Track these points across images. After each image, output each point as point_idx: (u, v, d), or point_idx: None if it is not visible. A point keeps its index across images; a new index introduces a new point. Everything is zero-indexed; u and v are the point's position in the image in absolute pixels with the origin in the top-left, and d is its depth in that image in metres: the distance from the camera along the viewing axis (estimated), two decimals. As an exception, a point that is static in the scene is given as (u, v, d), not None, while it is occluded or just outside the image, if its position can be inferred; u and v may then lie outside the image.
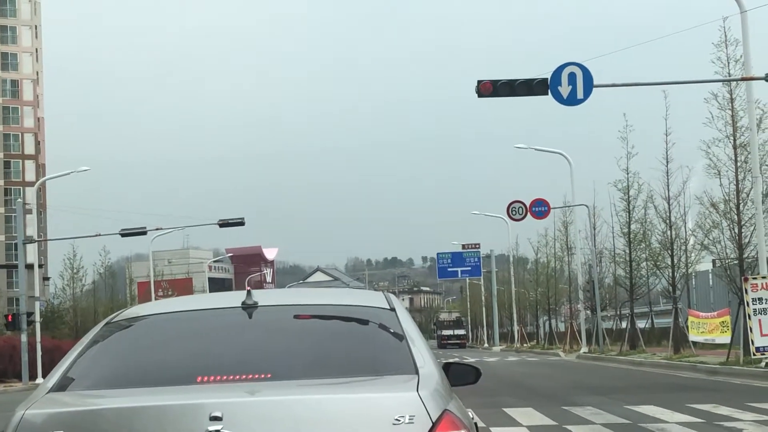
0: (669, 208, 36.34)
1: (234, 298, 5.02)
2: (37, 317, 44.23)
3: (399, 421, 3.83)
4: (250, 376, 4.27)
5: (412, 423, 3.83)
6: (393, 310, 4.96)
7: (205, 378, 4.26)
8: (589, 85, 25.04)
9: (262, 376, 4.28)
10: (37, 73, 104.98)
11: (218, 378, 4.27)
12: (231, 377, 4.27)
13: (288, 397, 4.01)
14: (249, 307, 4.89)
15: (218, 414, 3.76)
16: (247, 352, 4.60)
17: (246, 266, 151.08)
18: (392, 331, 4.74)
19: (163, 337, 4.90)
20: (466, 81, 28.42)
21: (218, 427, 3.74)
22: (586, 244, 51.71)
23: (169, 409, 3.88)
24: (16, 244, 48.30)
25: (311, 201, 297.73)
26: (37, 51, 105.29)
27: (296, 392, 4.09)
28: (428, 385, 4.08)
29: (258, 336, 4.79)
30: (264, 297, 5.05)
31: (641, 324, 44.96)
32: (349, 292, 5.81)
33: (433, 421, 3.87)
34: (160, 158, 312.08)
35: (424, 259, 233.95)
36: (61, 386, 4.39)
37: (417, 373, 4.26)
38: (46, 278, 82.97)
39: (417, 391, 3.96)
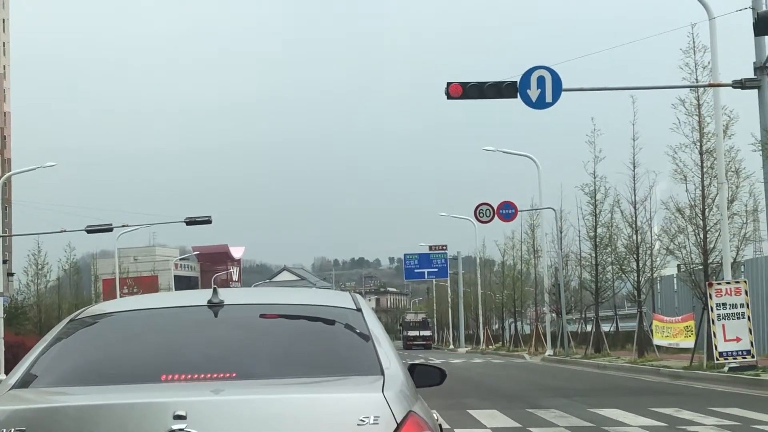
0: (635, 212, 36.47)
1: (200, 297, 4.98)
2: (0, 313, 43.82)
3: (364, 421, 3.81)
4: (215, 375, 4.25)
5: (377, 424, 3.82)
6: (359, 310, 4.96)
7: (170, 376, 4.24)
8: (558, 89, 25.14)
9: (227, 375, 4.26)
10: (4, 67, 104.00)
11: (183, 376, 4.24)
12: (196, 376, 4.25)
13: (252, 396, 3.99)
14: (215, 306, 4.86)
15: (182, 413, 3.73)
16: (213, 351, 4.58)
17: (212, 264, 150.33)
18: (358, 331, 4.73)
19: (127, 334, 4.87)
20: (437, 83, 28.39)
21: (182, 426, 3.72)
22: (552, 247, 51.92)
23: (133, 407, 3.85)
24: (-20, 240, 47.81)
25: (279, 200, 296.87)
26: (4, 45, 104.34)
27: (261, 392, 4.07)
28: (393, 386, 4.07)
29: (223, 335, 4.77)
30: (230, 296, 5.02)
31: (606, 327, 45.09)
32: (315, 292, 5.81)
33: (398, 422, 3.86)
34: (128, 155, 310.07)
35: (391, 260, 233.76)
36: (24, 383, 4.35)
37: (382, 373, 4.26)
38: (10, 274, 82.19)
39: (382, 391, 3.96)
